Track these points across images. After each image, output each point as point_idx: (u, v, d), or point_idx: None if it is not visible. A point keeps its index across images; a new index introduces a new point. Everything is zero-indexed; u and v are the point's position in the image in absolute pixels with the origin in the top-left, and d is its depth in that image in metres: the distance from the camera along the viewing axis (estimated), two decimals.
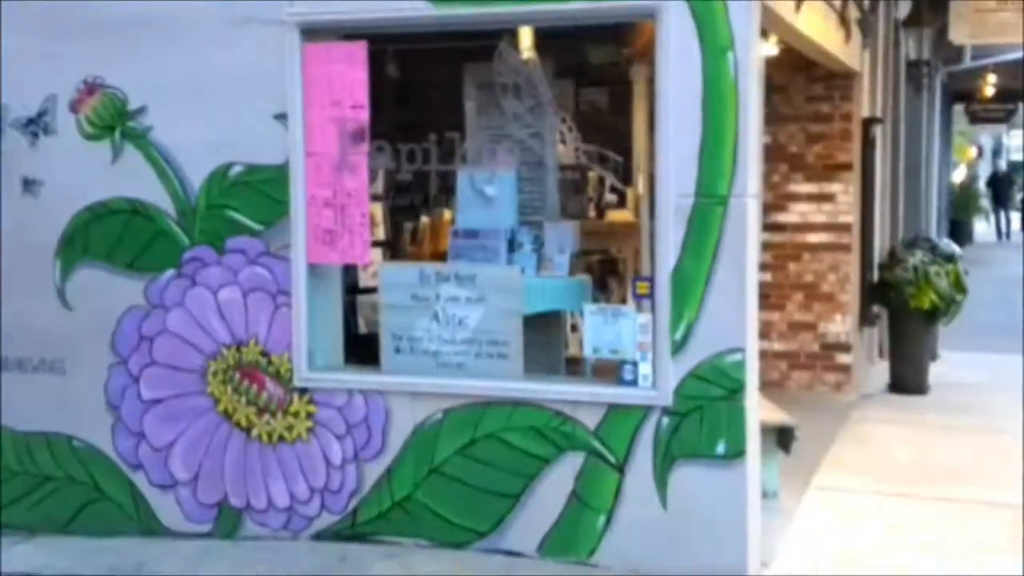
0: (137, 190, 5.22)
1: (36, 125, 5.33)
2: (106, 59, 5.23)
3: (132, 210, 5.23)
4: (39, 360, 5.37)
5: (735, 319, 4.54)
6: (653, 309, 4.63)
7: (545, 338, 5.45)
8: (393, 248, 6.55)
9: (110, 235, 5.26)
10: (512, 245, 5.29)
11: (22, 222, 5.35)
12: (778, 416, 5.55)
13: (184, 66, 5.15)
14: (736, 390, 4.53)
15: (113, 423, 5.28)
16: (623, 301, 6.50)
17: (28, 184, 5.35)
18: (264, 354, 5.12)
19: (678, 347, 4.57)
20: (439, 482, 4.91)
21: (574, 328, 6.27)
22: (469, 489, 4.87)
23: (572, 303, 5.40)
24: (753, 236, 4.59)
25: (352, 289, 6.01)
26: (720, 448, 4.54)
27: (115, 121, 5.24)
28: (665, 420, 4.60)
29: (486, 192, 5.34)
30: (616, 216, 7.01)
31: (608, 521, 4.69)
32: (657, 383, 4.61)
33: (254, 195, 5.12)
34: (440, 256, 6.21)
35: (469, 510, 4.87)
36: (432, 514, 4.92)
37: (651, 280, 4.68)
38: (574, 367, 5.83)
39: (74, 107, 5.29)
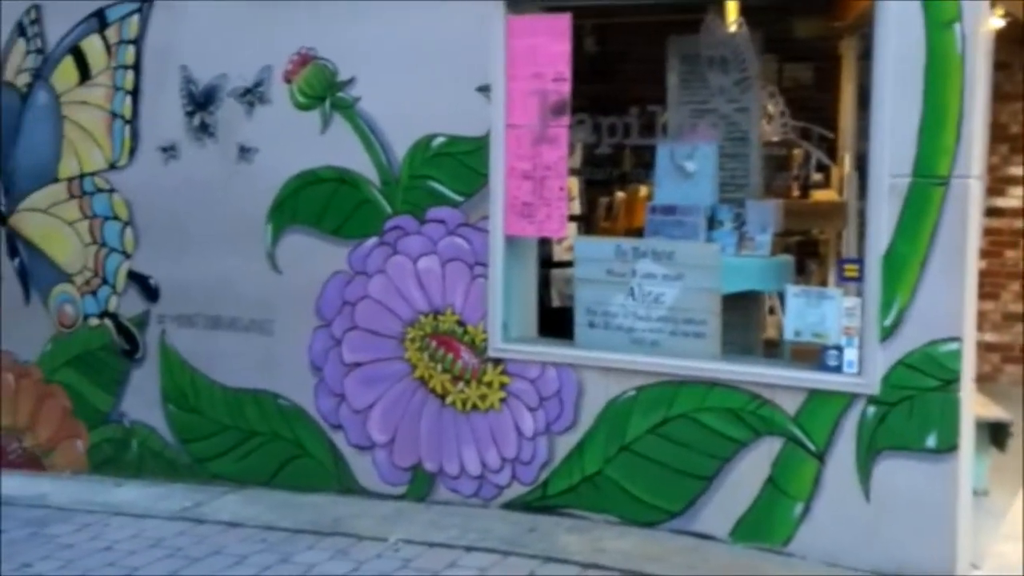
0: (344, 159, 5.36)
1: (252, 95, 5.55)
2: (318, 30, 5.39)
3: (339, 178, 5.38)
4: (249, 320, 5.61)
5: (952, 307, 4.29)
6: (862, 293, 4.44)
7: (743, 319, 5.32)
8: (587, 223, 6.52)
9: (318, 202, 5.43)
10: (711, 222, 5.17)
11: (236, 188, 5.59)
12: (993, 411, 5.24)
13: (391, 38, 5.25)
14: (950, 381, 4.29)
15: (316, 384, 5.47)
16: (822, 284, 6.29)
17: (243, 151, 5.58)
18: (460, 323, 5.19)
19: (888, 333, 4.36)
20: (630, 459, 4.87)
21: (771, 311, 6.10)
22: (661, 468, 4.82)
23: (773, 284, 5.25)
24: (975, 220, 4.33)
25: (546, 262, 6.01)
26: (930, 441, 4.32)
27: (325, 91, 5.40)
28: (871, 409, 4.41)
29: (686, 167, 5.23)
30: (820, 195, 6.76)
31: (806, 509, 4.54)
32: (864, 370, 4.42)
33: (455, 166, 5.19)
34: (634, 232, 6.14)
35: (660, 489, 4.82)
36: (622, 491, 4.89)
37: (860, 262, 4.48)
38: (770, 350, 5.68)
39: (287, 77, 5.47)
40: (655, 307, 4.90)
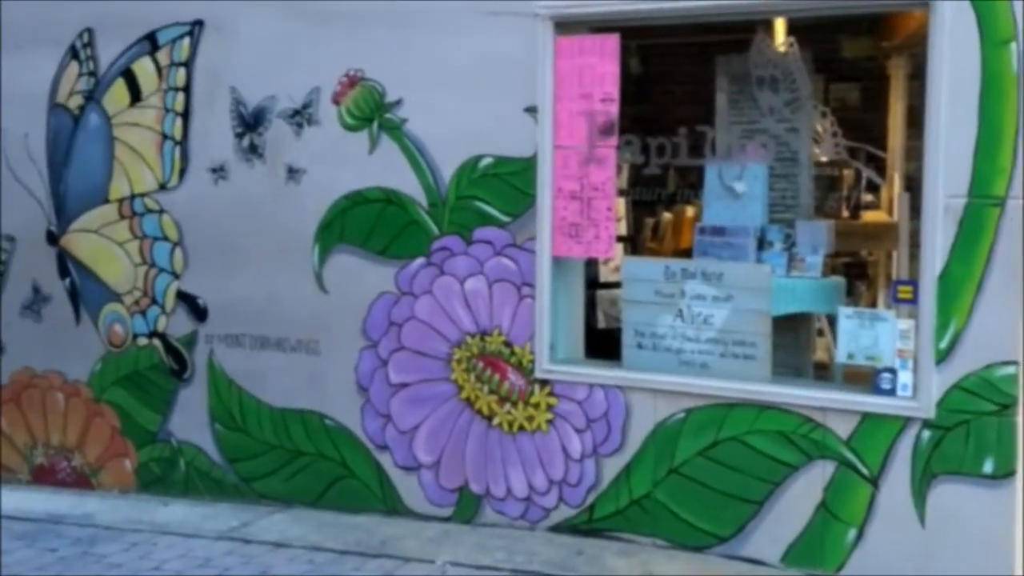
0: (391, 180, 5.38)
1: (301, 116, 5.58)
2: (366, 52, 5.41)
3: (386, 199, 5.40)
4: (296, 340, 5.63)
5: (1009, 329, 4.22)
6: (916, 315, 4.38)
7: (793, 340, 5.26)
8: (633, 243, 6.49)
9: (365, 222, 5.44)
10: (761, 243, 5.13)
11: (284, 208, 5.62)
12: None
13: (438, 59, 5.27)
14: (1007, 405, 4.21)
15: (362, 404, 5.48)
16: (871, 306, 6.21)
17: (291, 172, 5.61)
18: (507, 344, 5.18)
19: (943, 356, 4.30)
20: (679, 482, 4.82)
21: (820, 332, 6.03)
22: (710, 491, 4.76)
23: (824, 305, 5.18)
24: None
25: (592, 283, 5.99)
26: (987, 466, 4.24)
27: (373, 112, 5.42)
28: (926, 433, 4.34)
29: (735, 188, 5.20)
30: (871, 216, 6.69)
31: (859, 535, 4.47)
32: (918, 393, 4.36)
33: (502, 187, 5.18)
34: (681, 252, 6.11)
35: (709, 513, 4.76)
36: (671, 514, 4.84)
37: (914, 284, 4.42)
38: (820, 372, 5.61)
39: (335, 98, 5.50)
40: (704, 328, 4.87)
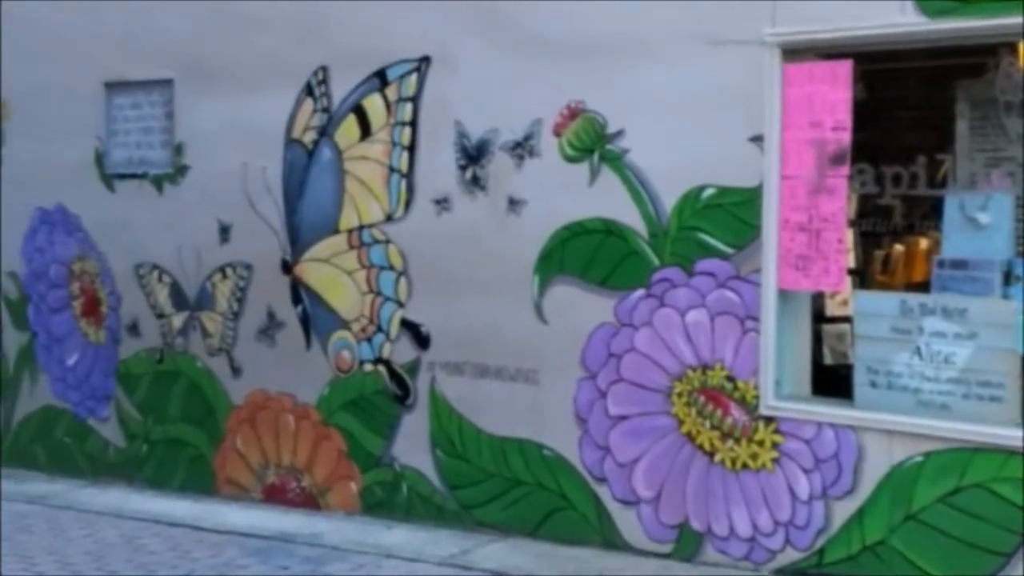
0: (611, 210, 5.37)
1: (522, 148, 5.65)
2: (587, 83, 5.43)
3: (607, 230, 5.39)
4: (515, 369, 5.68)
5: None
6: None
7: None
8: (862, 276, 6.23)
9: (584, 253, 5.45)
10: (1007, 277, 4.80)
11: (505, 239, 5.69)
12: None
13: (659, 89, 5.23)
14: None
15: (580, 435, 5.46)
16: None
17: (512, 203, 5.68)
18: (730, 378, 5.06)
19: None
20: (917, 529, 4.58)
21: None
22: (951, 541, 4.50)
23: None
24: None
25: (817, 317, 5.77)
26: None
27: (594, 143, 5.43)
28: None
29: (979, 219, 4.89)
30: None
31: None
32: None
33: (725, 217, 5.09)
34: (914, 286, 5.82)
35: (950, 563, 4.49)
36: (907, 562, 4.60)
37: None
38: None
39: (556, 130, 5.54)
40: (945, 367, 4.61)
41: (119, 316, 7.12)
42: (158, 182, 6.91)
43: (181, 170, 6.81)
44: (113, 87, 7.08)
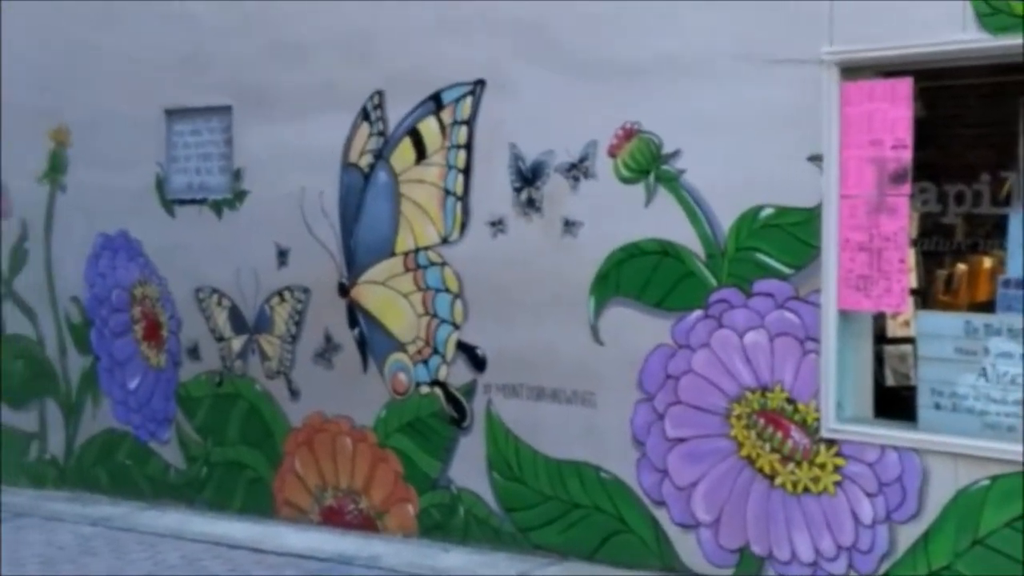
0: (668, 231, 5.34)
1: (577, 169, 5.65)
2: (642, 104, 5.42)
3: (663, 251, 5.36)
4: (571, 392, 5.66)
5: None
6: None
7: None
8: (924, 296, 6.13)
9: (641, 274, 5.42)
10: None
11: (560, 261, 5.68)
12: None
13: (715, 108, 5.20)
14: None
15: (638, 458, 5.42)
16: None
17: (568, 225, 5.68)
18: (790, 401, 5.00)
19: None
20: (985, 555, 4.48)
21: None
22: (1019, 566, 4.40)
23: None
24: None
25: (878, 338, 5.69)
26: None
27: (650, 164, 5.41)
28: None
29: None
30: None
31: None
32: None
33: (783, 238, 5.04)
34: (977, 306, 5.72)
35: None
36: None
37: None
38: None
39: (612, 151, 5.53)
40: (1012, 389, 4.51)
41: (179, 340, 7.22)
42: (217, 207, 7.01)
43: (240, 195, 6.90)
44: (173, 114, 7.20)
